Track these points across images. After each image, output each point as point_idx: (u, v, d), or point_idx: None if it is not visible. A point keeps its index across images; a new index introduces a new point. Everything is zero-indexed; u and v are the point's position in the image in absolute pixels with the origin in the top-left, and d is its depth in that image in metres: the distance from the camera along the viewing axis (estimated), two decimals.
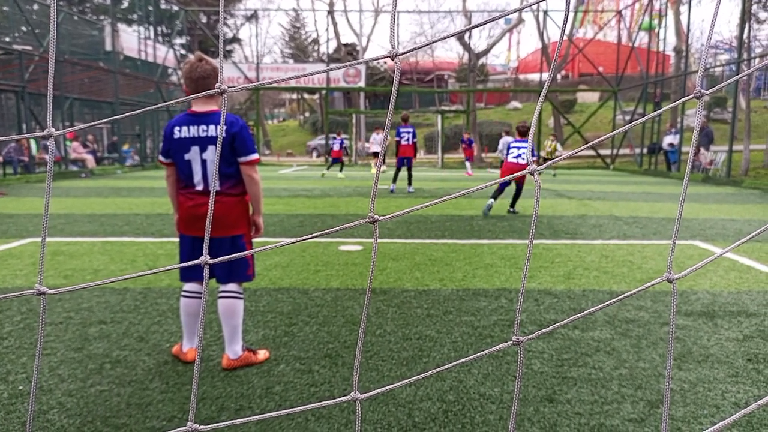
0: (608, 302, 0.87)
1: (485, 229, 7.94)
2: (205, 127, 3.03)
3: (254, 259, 3.38)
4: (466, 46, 33.18)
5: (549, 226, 8.12)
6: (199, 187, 3.08)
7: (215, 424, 0.88)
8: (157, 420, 2.59)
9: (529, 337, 0.87)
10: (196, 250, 3.13)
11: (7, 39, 17.85)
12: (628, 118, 26.59)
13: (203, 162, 3.06)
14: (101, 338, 3.59)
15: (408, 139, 13.15)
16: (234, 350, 3.18)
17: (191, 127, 3.05)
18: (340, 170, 19.24)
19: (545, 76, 30.63)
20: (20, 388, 2.91)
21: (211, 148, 3.03)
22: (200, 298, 3.23)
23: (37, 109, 17.88)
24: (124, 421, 2.58)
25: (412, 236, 7.25)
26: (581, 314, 0.86)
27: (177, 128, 3.08)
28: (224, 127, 3.04)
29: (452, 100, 45.76)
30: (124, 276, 0.88)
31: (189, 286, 3.22)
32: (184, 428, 0.88)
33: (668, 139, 21.02)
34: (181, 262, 3.23)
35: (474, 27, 0.91)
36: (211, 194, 0.85)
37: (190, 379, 3.01)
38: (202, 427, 0.88)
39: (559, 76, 38.32)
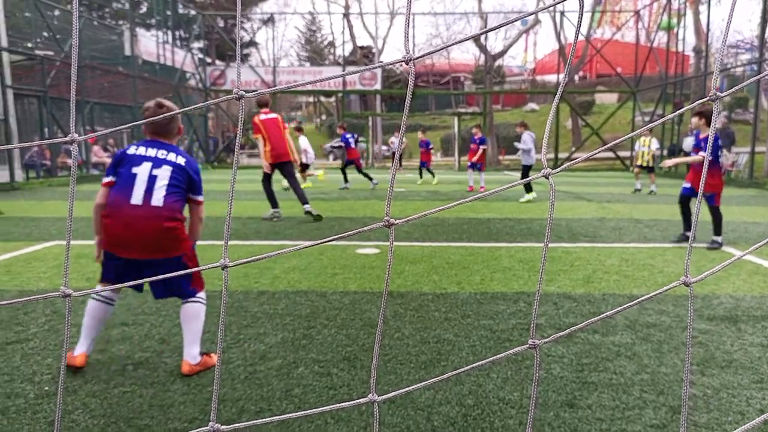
0: (624, 306, 0.87)
1: (503, 232, 7.90)
2: (165, 152, 3.11)
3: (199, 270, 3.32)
4: (483, 48, 33.07)
5: (568, 229, 8.05)
6: (136, 201, 3.00)
7: (236, 425, 0.89)
8: (179, 421, 2.61)
9: (545, 340, 0.87)
10: (131, 269, 3.05)
11: (29, 45, 18.17)
12: (647, 119, 26.30)
13: (152, 177, 3.04)
14: (123, 340, 3.64)
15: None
16: (193, 354, 3.15)
17: (150, 149, 3.10)
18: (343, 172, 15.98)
19: (563, 77, 30.44)
20: (46, 388, 2.96)
21: (165, 167, 3.07)
22: (111, 304, 3.22)
23: (59, 114, 18.16)
24: (146, 422, 2.61)
25: (430, 239, 7.24)
26: (598, 318, 0.86)
27: (135, 146, 3.13)
28: (181, 158, 3.19)
29: (469, 102, 45.62)
30: (145, 279, 0.90)
31: (105, 293, 3.16)
32: (206, 428, 0.89)
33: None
34: (107, 279, 3.12)
35: (490, 30, 0.91)
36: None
37: (211, 381, 3.04)
38: (223, 427, 0.89)
39: (576, 77, 38.03)
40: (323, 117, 49.13)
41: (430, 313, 4.25)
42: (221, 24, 35.04)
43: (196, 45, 29.80)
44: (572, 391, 2.94)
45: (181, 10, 28.42)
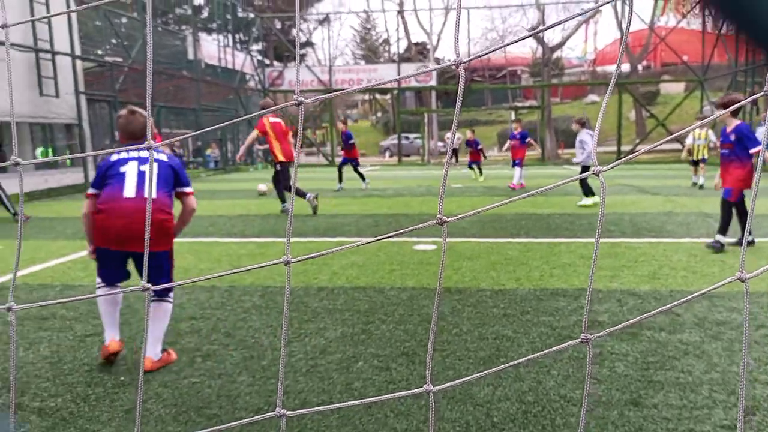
0: (674, 303, 0.85)
1: (562, 227, 7.74)
2: (147, 153, 3.22)
3: (173, 270, 3.46)
4: (540, 40, 32.38)
5: (631, 224, 7.81)
6: (129, 194, 3.13)
7: (300, 411, 0.93)
8: (245, 411, 2.72)
9: (598, 334, 0.87)
10: (123, 260, 3.22)
11: (99, 52, 19.11)
12: (716, 109, 25.06)
13: (140, 173, 3.18)
14: (192, 333, 3.81)
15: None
16: (156, 352, 3.24)
17: (131, 152, 3.25)
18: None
19: (625, 67, 29.40)
20: (122, 378, 3.13)
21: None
22: (117, 286, 3.33)
23: None
24: (215, 411, 2.73)
25: (487, 235, 7.18)
26: (644, 316, 0.85)
27: (117, 154, 3.27)
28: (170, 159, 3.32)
29: (526, 95, 44.78)
30: (214, 274, 0.95)
31: (109, 279, 3.31)
32: (273, 413, 0.94)
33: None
34: (106, 272, 3.27)
35: (548, 28, 0.91)
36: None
37: (275, 374, 3.14)
38: (288, 412, 0.93)
39: (639, 67, 36.65)
40: (379, 114, 49.37)
41: (488, 309, 4.23)
42: (278, 26, 35.77)
43: (255, 47, 30.54)
44: (637, 390, 2.87)
45: (240, 14, 29.17)
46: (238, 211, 10.15)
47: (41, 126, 15.74)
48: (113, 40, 19.73)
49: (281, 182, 9.63)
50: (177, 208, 3.37)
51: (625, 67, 30.63)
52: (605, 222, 8.08)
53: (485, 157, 18.34)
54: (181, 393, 2.93)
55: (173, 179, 3.30)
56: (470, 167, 17.13)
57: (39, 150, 16.55)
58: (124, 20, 20.50)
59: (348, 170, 14.17)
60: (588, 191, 10.02)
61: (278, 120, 9.69)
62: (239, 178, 20.30)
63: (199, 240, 7.11)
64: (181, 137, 0.99)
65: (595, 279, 4.93)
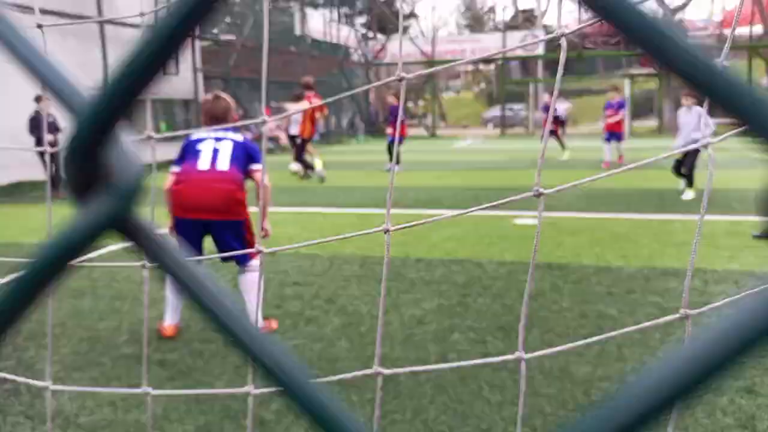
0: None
1: (678, 203, 7.27)
2: (224, 132, 3.40)
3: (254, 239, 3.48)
4: (660, 1, 30.02)
5: (759, 201, 7.16)
6: (203, 167, 3.28)
7: (396, 370, 0.97)
8: (344, 374, 2.84)
9: (698, 310, 0.82)
10: (198, 230, 3.30)
11: (215, 30, 20.13)
12: None
13: (215, 150, 3.34)
14: (296, 298, 4.02)
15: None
16: (258, 320, 3.33)
17: (211, 133, 3.42)
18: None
19: (757, 29, 26.61)
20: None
21: (226, 142, 3.36)
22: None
23: (239, 92, 19.98)
24: (315, 373, 2.88)
25: (593, 210, 6.90)
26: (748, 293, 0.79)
27: (197, 133, 3.49)
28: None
29: (643, 63, 41.84)
30: (322, 239, 1.01)
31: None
32: (371, 370, 0.99)
33: None
34: (189, 244, 3.32)
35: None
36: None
37: (373, 340, 3.25)
38: (385, 370, 0.98)
39: None
40: (482, 85, 48.29)
41: (591, 286, 4.09)
42: None
43: (359, 21, 30.82)
44: (751, 377, 2.69)
45: None
46: (339, 182, 10.44)
47: (162, 102, 16.95)
48: (227, 19, 20.70)
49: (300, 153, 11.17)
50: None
51: (757, 29, 27.68)
52: (728, 199, 7.46)
53: (563, 128, 15.72)
54: None
55: (245, 159, 3.46)
56: (556, 136, 14.56)
57: (162, 125, 17.85)
58: None
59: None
60: (691, 179, 7.87)
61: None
62: (341, 150, 20.78)
63: (302, 210, 7.41)
64: (292, 112, 1.05)
65: (713, 259, 4.60)
